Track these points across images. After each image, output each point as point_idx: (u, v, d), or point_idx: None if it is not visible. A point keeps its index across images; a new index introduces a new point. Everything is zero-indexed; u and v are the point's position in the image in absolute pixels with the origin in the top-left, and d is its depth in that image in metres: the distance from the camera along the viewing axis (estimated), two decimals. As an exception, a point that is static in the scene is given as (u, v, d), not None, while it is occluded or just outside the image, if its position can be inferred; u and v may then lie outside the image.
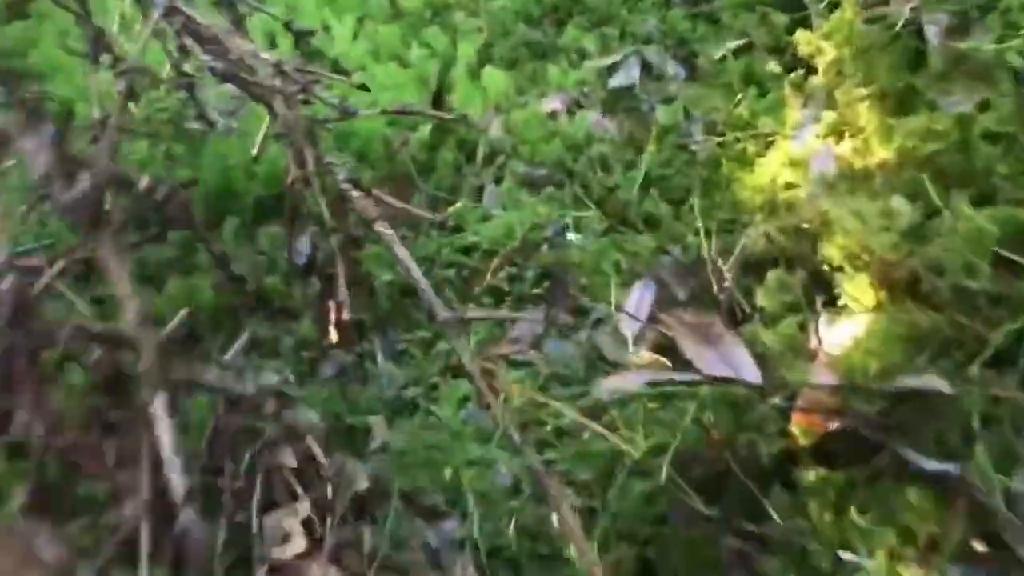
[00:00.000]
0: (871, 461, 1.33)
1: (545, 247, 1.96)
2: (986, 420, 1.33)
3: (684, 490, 1.33)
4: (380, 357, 1.90)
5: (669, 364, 1.50)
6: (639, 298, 1.84)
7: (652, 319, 1.82)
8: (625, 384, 1.33)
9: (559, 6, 2.54)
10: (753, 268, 1.72)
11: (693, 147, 2.05)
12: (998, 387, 1.31)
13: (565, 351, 1.86)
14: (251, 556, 1.59)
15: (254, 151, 1.75)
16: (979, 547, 1.27)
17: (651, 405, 1.34)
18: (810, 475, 1.34)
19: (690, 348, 1.32)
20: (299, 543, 1.58)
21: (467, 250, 2.05)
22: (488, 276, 2.01)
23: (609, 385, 1.34)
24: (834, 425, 1.33)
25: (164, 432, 0.82)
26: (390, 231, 1.33)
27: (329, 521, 1.62)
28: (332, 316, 1.36)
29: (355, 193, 1.37)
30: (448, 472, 1.66)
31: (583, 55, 2.38)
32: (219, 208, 2.09)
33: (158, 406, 0.83)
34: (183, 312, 1.44)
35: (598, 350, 1.83)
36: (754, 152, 1.87)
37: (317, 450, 1.61)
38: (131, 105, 2.24)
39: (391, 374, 1.87)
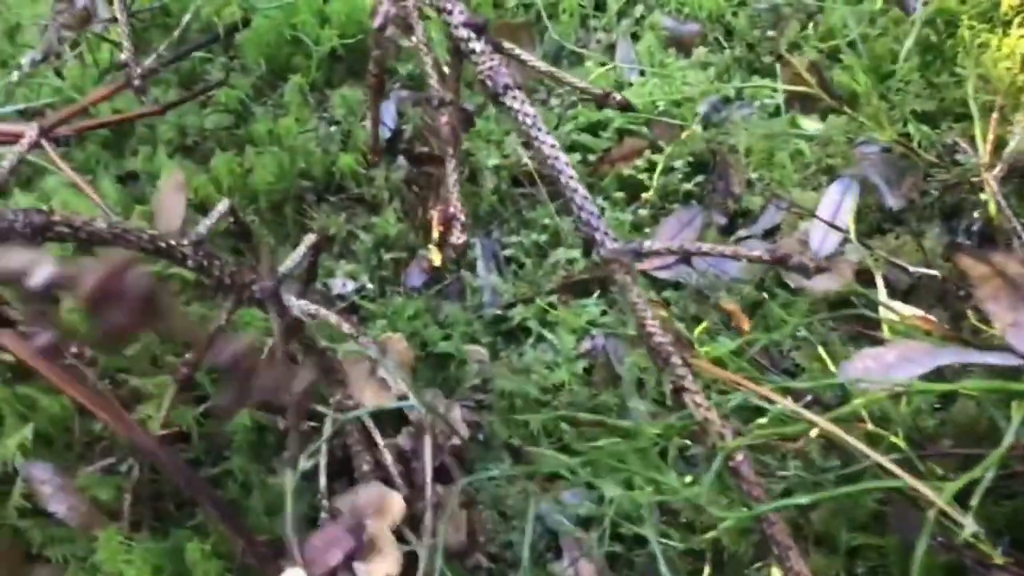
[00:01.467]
0: None
1: (698, 127, 1.59)
2: None
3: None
4: (481, 264, 1.48)
5: (950, 331, 1.03)
6: (836, 201, 1.37)
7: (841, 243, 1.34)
8: (891, 371, 0.88)
9: None
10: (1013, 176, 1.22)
11: (908, -2, 1.54)
12: None
13: (726, 268, 1.41)
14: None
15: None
16: None
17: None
18: None
19: (1004, 313, 0.86)
20: (391, 557, 1.13)
21: (594, 127, 1.60)
22: (622, 163, 1.55)
23: (862, 370, 0.89)
24: None
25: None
26: (532, 110, 0.86)
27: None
28: (436, 229, 0.92)
29: (478, 45, 0.90)
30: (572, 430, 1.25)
31: None
32: (279, 61, 1.63)
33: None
34: (224, 202, 1.02)
35: (773, 270, 1.39)
36: (1012, 8, 1.35)
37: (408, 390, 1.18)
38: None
39: (494, 287, 1.45)
